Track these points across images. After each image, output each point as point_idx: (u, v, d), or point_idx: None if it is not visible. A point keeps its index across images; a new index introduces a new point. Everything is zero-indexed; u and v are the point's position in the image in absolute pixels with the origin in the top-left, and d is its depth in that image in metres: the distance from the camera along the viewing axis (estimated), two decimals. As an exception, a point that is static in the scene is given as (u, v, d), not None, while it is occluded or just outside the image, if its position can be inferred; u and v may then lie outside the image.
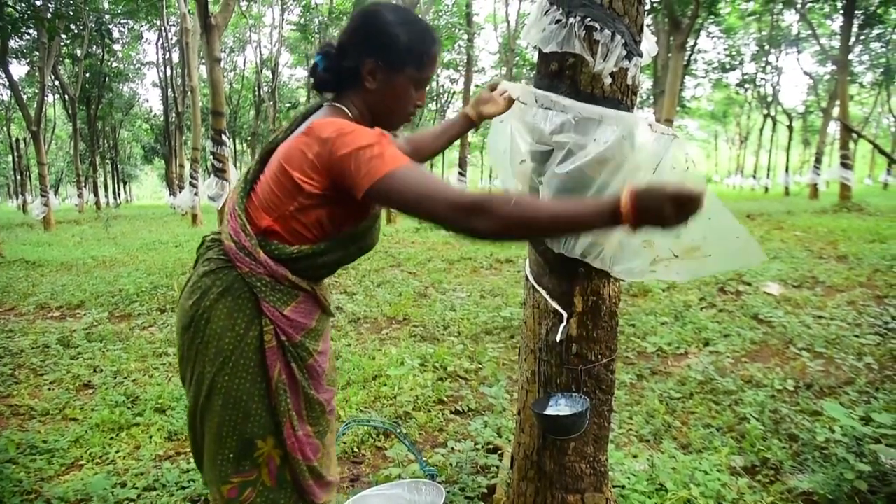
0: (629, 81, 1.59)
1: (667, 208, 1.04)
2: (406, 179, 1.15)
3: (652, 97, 17.79)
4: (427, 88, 1.44)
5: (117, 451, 2.74)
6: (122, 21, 23.59)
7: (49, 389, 3.60)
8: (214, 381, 1.26)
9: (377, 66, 1.31)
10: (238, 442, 1.28)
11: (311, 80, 1.39)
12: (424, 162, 1.74)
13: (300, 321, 1.31)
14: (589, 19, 1.52)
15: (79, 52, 21.50)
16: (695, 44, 21.23)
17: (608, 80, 1.55)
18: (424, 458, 2.53)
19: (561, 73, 1.58)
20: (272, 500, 1.31)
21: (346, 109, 1.34)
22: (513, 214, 1.09)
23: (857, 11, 15.58)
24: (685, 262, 1.59)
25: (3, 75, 15.51)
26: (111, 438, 2.88)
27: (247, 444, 1.28)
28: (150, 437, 2.87)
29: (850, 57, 18.20)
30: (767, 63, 27.73)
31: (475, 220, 1.11)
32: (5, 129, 33.08)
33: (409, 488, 1.82)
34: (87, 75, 24.26)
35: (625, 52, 1.54)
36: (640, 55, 1.61)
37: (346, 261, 1.38)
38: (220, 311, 1.27)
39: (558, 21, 1.55)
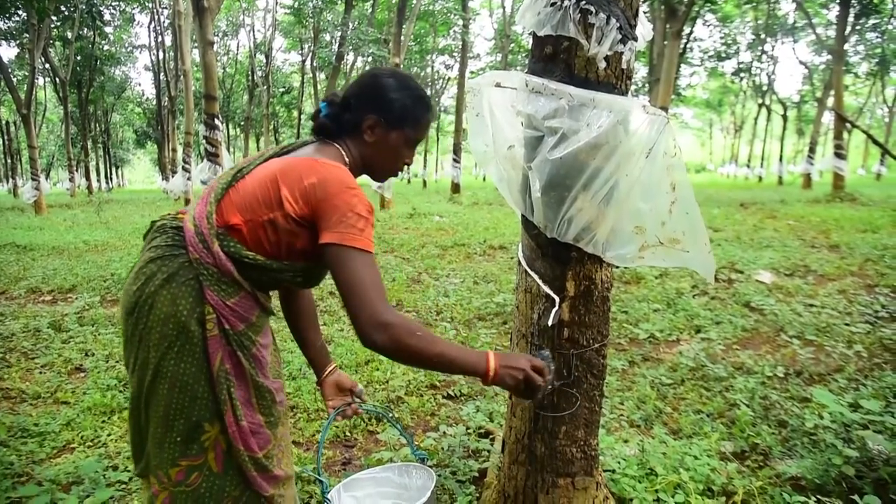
0: (624, 65, 1.58)
1: (519, 375, 1.32)
2: (361, 266, 1.25)
3: (647, 85, 17.77)
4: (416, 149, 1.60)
5: (109, 434, 2.74)
6: (113, 3, 23.30)
7: (40, 373, 3.59)
8: (160, 365, 1.27)
9: (378, 122, 1.43)
10: (185, 425, 1.28)
11: (312, 122, 1.50)
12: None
13: (241, 313, 1.33)
14: (584, 2, 1.50)
15: (69, 35, 21.23)
16: (691, 31, 21.19)
17: (602, 64, 1.54)
18: (417, 443, 2.54)
19: (555, 57, 1.57)
20: (217, 487, 1.31)
21: (342, 152, 1.45)
22: (408, 344, 1.23)
23: (853, 1, 15.55)
24: (668, 250, 1.61)
25: (-7, 57, 15.28)
26: (103, 422, 2.88)
27: (194, 426, 1.29)
28: (142, 420, 2.87)
29: (846, 47, 18.18)
30: (763, 52, 27.74)
31: (377, 333, 1.22)
32: (-5, 111, 32.76)
33: (399, 472, 1.82)
34: (78, 58, 23.99)
35: (619, 36, 1.52)
36: (635, 39, 1.59)
37: (288, 284, 1.42)
38: (163, 298, 1.27)
39: (553, 4, 1.54)
